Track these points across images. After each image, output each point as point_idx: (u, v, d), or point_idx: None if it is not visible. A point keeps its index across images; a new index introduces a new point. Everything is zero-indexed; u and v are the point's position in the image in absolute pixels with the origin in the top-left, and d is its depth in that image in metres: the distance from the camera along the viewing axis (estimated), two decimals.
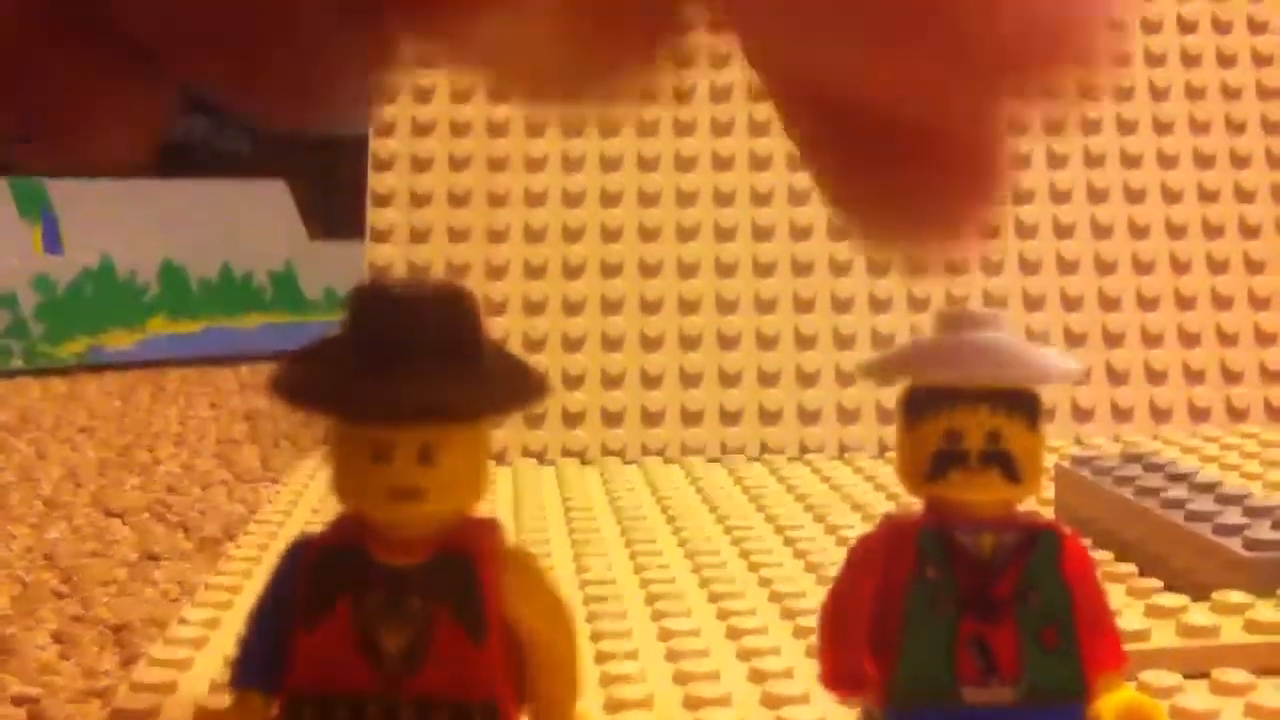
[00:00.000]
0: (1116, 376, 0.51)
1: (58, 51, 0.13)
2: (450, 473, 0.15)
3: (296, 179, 0.90)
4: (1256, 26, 0.56)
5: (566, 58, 0.14)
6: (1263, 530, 0.31)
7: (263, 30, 0.13)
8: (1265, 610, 0.28)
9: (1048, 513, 0.38)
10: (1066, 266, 0.52)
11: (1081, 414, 0.50)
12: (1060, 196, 0.53)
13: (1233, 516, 0.32)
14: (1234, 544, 0.30)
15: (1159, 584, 0.31)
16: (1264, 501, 0.33)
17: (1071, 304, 0.51)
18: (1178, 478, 0.35)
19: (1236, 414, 0.51)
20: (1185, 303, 0.52)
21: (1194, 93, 0.55)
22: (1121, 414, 0.50)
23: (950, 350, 0.17)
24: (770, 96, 0.14)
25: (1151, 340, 0.51)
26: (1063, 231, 0.53)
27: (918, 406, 0.17)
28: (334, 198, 0.84)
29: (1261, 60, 0.56)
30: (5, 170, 0.74)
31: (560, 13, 0.13)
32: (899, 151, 0.13)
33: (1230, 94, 0.55)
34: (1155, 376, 0.51)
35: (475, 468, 0.16)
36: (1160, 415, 0.50)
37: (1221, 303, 0.52)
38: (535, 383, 0.16)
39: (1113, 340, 0.51)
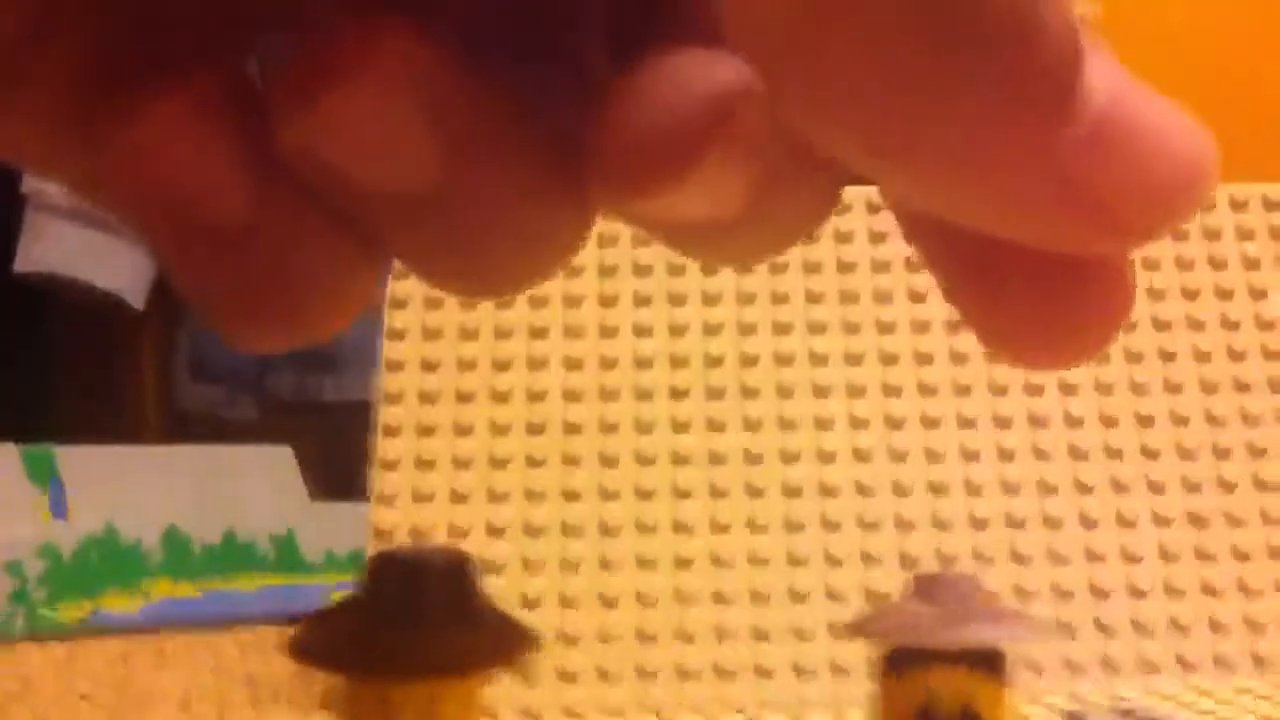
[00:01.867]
0: (1106, 630, 0.51)
1: (278, 217, 0.14)
2: None
3: (300, 442, 0.92)
4: (1265, 323, 0.59)
5: (752, 227, 0.14)
6: None
7: (475, 209, 0.14)
8: None
9: None
10: (1052, 522, 0.53)
11: (1073, 667, 0.50)
12: (1042, 455, 0.55)
13: None
14: None
15: None
16: None
17: (1059, 560, 0.52)
18: None
19: (1225, 665, 0.51)
20: (1170, 557, 0.53)
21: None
22: (1111, 667, 0.51)
23: (925, 614, 0.18)
24: (907, 230, 0.15)
25: (1137, 594, 0.52)
26: (1047, 489, 0.54)
27: (895, 667, 0.19)
28: (336, 460, 0.86)
29: (1230, 325, 0.59)
30: (19, 437, 0.76)
31: (749, 185, 0.14)
32: (1027, 273, 0.14)
33: (1201, 358, 0.58)
34: (1143, 630, 0.52)
35: None
36: (1149, 668, 0.51)
37: (1205, 557, 0.53)
38: (527, 638, 0.17)
39: (1100, 594, 0.52)
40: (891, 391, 0.55)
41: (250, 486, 0.88)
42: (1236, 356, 0.58)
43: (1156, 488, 0.54)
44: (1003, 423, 0.55)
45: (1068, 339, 0.15)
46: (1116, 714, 0.38)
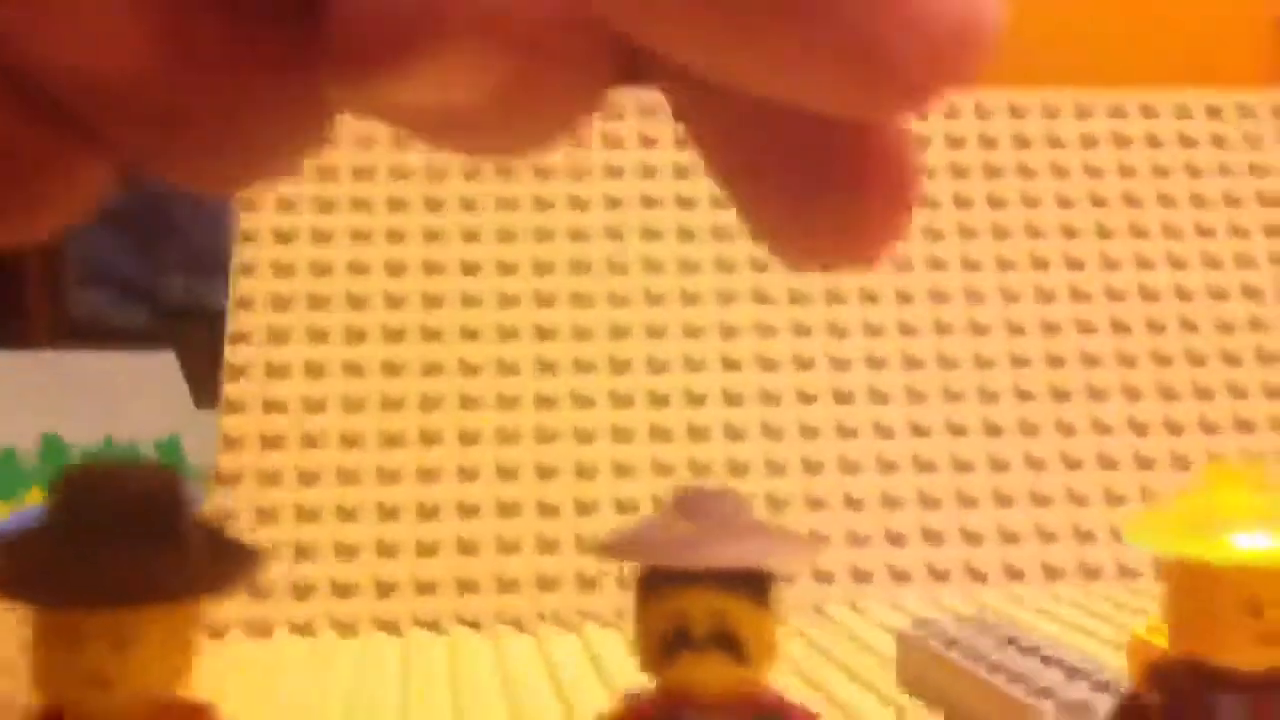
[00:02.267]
0: (971, 538, 0.51)
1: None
2: (144, 658, 0.15)
3: (190, 348, 0.90)
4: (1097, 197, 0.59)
5: (503, 114, 0.14)
6: (1080, 690, 0.31)
7: (198, 101, 0.13)
8: None
9: (890, 677, 0.38)
10: (920, 430, 0.53)
11: (938, 575, 0.50)
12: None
13: (1052, 678, 0.32)
14: (1047, 706, 0.31)
15: None
16: (1083, 663, 0.33)
17: (924, 466, 0.52)
18: (1006, 641, 0.36)
19: (1090, 573, 0.51)
20: (1036, 464, 0.53)
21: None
22: (977, 575, 0.51)
23: (681, 532, 0.18)
24: (691, 133, 0.15)
25: (1003, 501, 0.52)
26: (915, 398, 0.54)
27: (650, 587, 0.18)
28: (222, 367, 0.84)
29: (1000, 234, 0.58)
30: None
31: (498, 74, 0.13)
32: (811, 169, 0.14)
33: (1005, 265, 0.58)
34: (1009, 537, 0.52)
35: (174, 652, 0.16)
36: (1014, 575, 0.51)
37: (1071, 463, 0.53)
38: (245, 558, 0.16)
39: (967, 502, 0.52)
40: (689, 300, 0.54)
41: (133, 393, 0.86)
42: (1040, 264, 0.57)
43: (1024, 396, 0.54)
44: (801, 330, 0.54)
45: (852, 233, 0.14)
46: (959, 623, 0.38)
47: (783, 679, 0.19)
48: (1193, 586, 0.19)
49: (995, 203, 0.58)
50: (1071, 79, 0.63)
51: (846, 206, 0.14)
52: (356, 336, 0.50)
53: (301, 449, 0.48)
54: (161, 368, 0.88)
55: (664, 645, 0.18)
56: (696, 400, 0.52)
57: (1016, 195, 0.58)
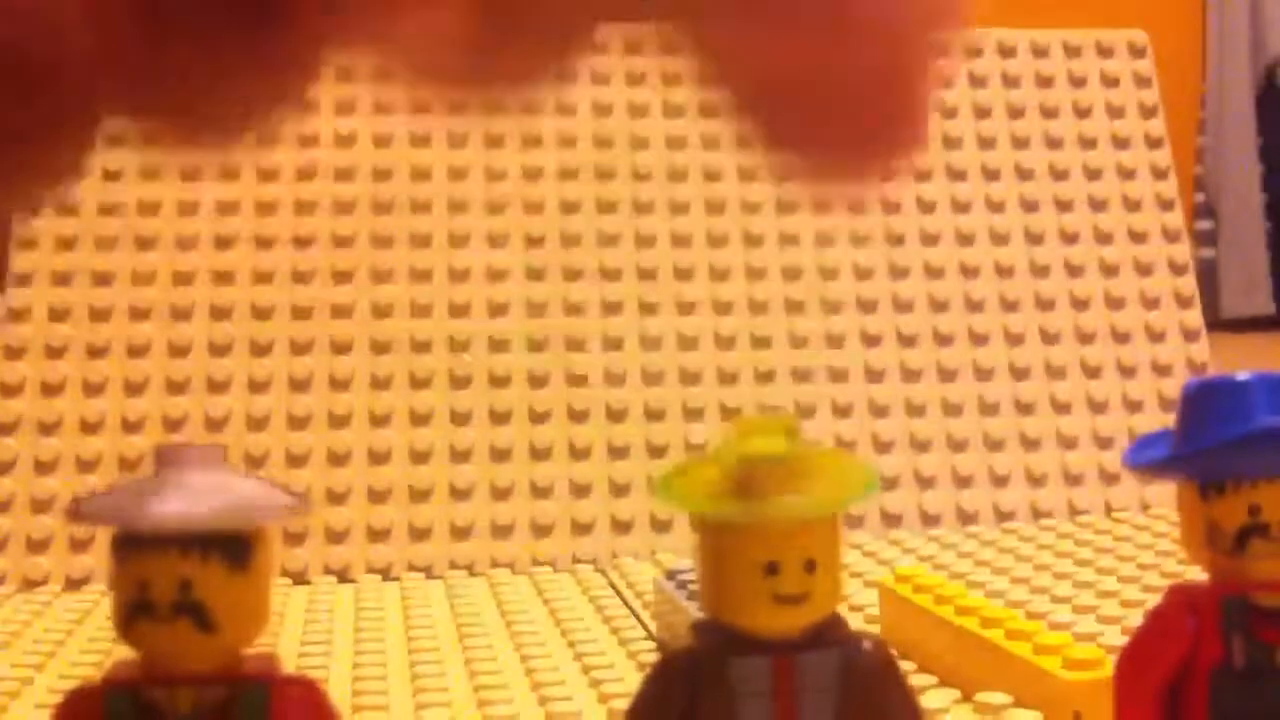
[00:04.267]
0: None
1: None
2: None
3: None
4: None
5: (482, 61, 0.14)
6: None
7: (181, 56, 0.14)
8: None
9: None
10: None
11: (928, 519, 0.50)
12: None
13: None
14: None
15: None
16: None
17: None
18: None
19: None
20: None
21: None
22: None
23: (147, 492, 0.17)
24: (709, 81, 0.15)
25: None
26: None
27: (116, 552, 0.17)
28: None
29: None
30: None
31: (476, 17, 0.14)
32: (819, 114, 0.14)
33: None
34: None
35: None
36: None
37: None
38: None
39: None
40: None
41: None
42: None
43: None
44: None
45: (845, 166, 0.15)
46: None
47: None
48: (714, 546, 0.18)
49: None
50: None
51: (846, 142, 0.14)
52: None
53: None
54: None
55: (128, 613, 0.17)
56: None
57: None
